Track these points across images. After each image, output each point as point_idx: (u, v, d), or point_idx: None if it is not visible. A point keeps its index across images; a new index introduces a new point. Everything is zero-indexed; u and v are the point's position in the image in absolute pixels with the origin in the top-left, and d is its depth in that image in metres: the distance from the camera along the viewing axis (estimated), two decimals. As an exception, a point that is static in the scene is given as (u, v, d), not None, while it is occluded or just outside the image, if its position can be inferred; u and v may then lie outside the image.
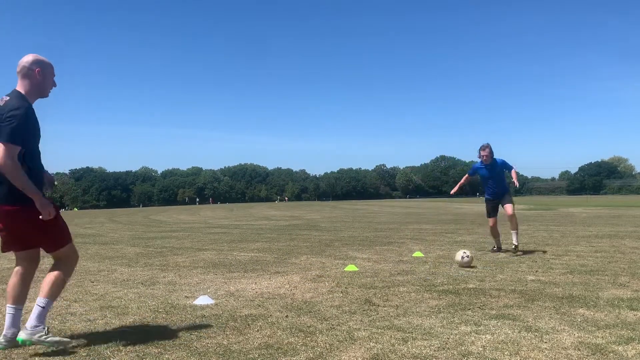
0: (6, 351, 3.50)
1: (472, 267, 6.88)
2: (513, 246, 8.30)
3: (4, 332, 3.54)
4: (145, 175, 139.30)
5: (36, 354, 3.45)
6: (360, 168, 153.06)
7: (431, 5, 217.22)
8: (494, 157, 8.54)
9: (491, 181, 8.61)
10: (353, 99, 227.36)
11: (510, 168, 8.62)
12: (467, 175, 8.95)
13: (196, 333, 3.90)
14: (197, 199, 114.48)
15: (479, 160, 8.67)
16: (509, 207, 8.40)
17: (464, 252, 7.07)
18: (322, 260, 7.95)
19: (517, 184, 8.78)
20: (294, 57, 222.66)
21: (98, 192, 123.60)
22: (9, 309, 3.56)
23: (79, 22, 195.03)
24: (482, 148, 8.50)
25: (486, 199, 8.85)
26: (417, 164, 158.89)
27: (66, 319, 4.40)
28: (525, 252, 8.40)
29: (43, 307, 3.50)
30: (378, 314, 4.40)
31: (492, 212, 8.68)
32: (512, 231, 8.39)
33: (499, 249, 8.67)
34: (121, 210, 58.91)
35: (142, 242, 12.36)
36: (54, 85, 3.69)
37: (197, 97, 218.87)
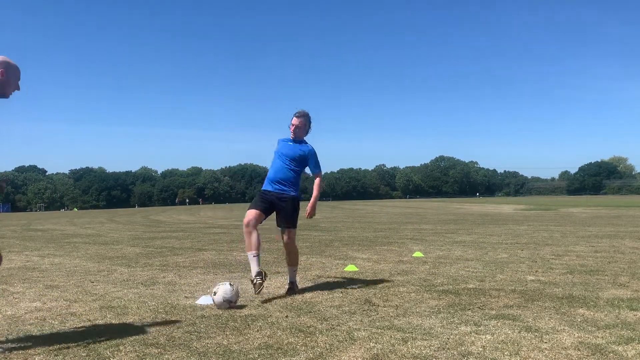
0: (6, 351, 3.50)
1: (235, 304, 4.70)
2: (288, 285, 5.50)
3: None
4: (145, 176, 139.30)
5: (36, 354, 3.45)
6: (360, 168, 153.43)
7: (432, 4, 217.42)
8: (305, 139, 5.70)
9: (277, 163, 5.61)
10: (353, 99, 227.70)
11: (316, 171, 5.73)
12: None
13: (196, 333, 3.89)
14: (187, 200, 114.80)
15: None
16: (287, 232, 5.48)
17: (223, 286, 4.72)
18: (322, 260, 7.95)
19: (308, 211, 5.66)
20: (294, 56, 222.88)
21: (98, 192, 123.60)
22: None
23: (79, 23, 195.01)
24: (297, 115, 5.59)
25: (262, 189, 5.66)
26: (417, 164, 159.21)
27: (66, 319, 4.41)
28: (525, 253, 8.39)
29: None
30: (378, 314, 4.39)
31: (259, 203, 5.45)
32: (288, 266, 5.63)
33: (256, 279, 5.03)
34: (121, 211, 58.89)
35: (142, 242, 12.36)
36: (17, 89, 3.53)
37: (197, 97, 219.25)
